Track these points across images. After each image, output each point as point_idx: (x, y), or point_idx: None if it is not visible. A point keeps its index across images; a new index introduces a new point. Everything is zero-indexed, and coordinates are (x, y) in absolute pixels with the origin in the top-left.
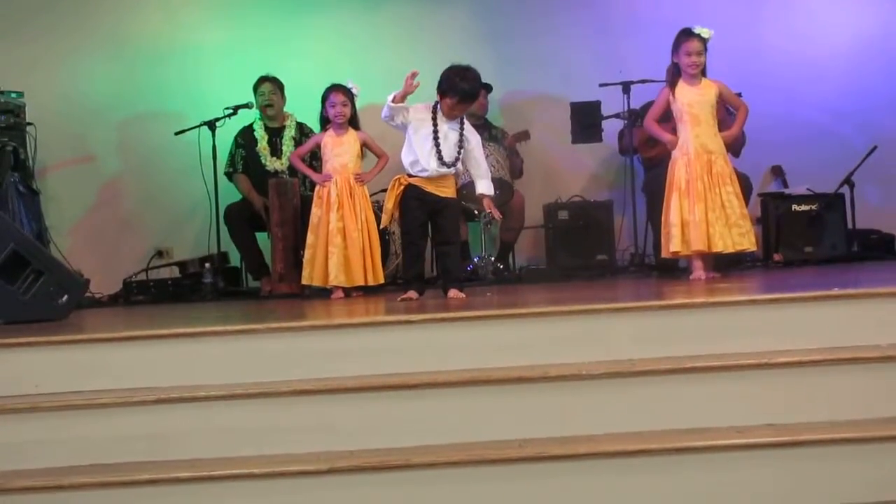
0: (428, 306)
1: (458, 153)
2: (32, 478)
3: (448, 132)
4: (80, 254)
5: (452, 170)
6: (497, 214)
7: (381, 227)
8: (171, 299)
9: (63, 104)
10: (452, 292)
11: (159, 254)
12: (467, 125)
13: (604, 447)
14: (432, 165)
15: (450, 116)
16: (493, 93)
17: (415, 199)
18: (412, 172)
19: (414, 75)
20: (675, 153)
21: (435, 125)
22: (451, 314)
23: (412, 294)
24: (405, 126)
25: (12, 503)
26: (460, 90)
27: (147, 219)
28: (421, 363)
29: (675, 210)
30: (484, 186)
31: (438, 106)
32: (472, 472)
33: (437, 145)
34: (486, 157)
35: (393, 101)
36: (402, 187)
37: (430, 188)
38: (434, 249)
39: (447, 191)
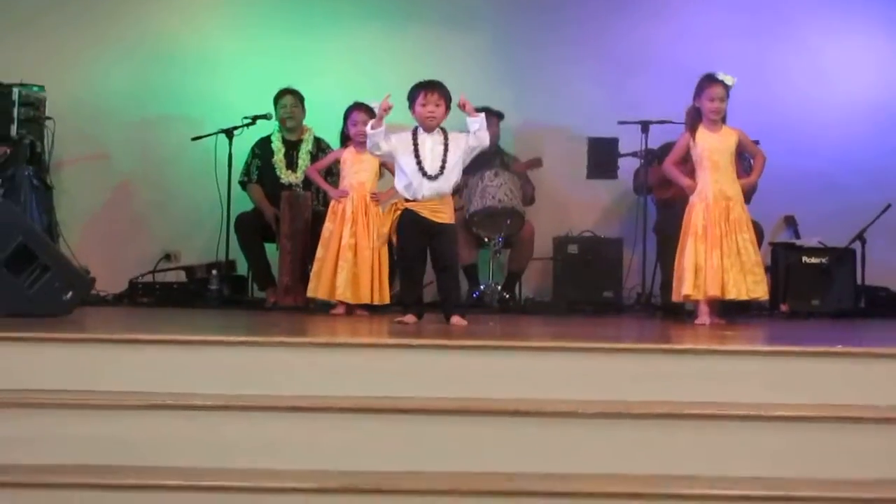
0: (429, 331)
1: (443, 164)
2: (19, 474)
3: (433, 146)
4: (89, 250)
5: (448, 189)
6: (466, 104)
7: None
8: (175, 303)
9: (81, 99)
10: (455, 319)
11: (167, 257)
12: (452, 133)
13: (593, 487)
14: (418, 181)
15: (429, 127)
16: (508, 121)
17: (412, 225)
18: (407, 197)
19: (386, 100)
20: (694, 198)
21: (415, 140)
22: (451, 341)
23: (410, 318)
24: (392, 155)
25: None
26: (418, 84)
27: (158, 221)
28: (418, 388)
29: (689, 254)
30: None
31: (418, 127)
32: (461, 501)
33: (418, 157)
34: (500, 186)
35: (371, 127)
36: (398, 212)
37: (425, 213)
38: (435, 275)
39: (444, 216)
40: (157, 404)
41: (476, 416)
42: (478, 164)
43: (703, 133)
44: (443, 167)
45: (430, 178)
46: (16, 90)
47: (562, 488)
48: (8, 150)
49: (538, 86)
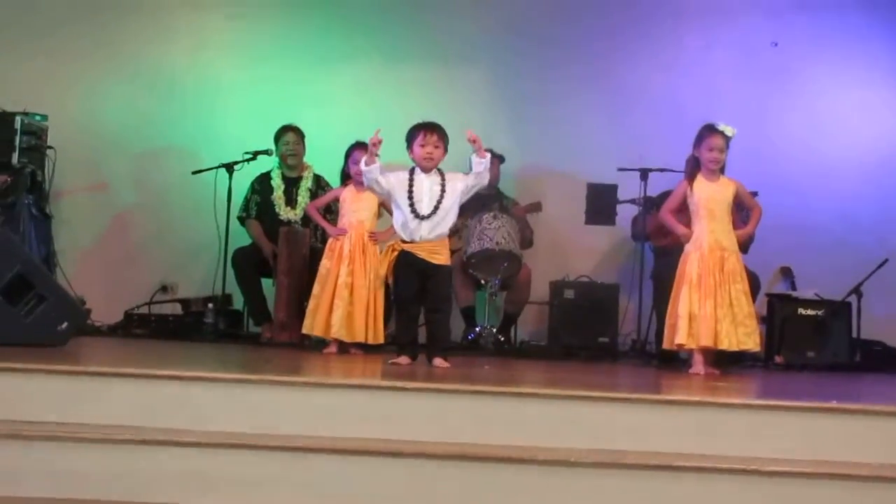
0: (424, 374)
1: (437, 205)
2: None
3: (430, 187)
4: (86, 280)
5: (444, 230)
6: (476, 140)
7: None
8: (170, 335)
9: (83, 129)
10: (437, 360)
11: (164, 289)
12: (450, 174)
13: None
14: (414, 222)
15: (427, 168)
16: (509, 164)
17: (407, 266)
18: (404, 238)
19: (376, 134)
20: (689, 247)
21: (411, 181)
22: (446, 385)
23: (404, 359)
24: (390, 194)
25: None
26: (417, 125)
27: (155, 253)
28: (411, 432)
29: (683, 302)
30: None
31: (415, 168)
32: None
33: (411, 197)
34: (498, 228)
35: (364, 164)
36: (395, 253)
37: (422, 254)
38: (424, 316)
39: (439, 257)
40: (149, 440)
41: (470, 462)
42: (477, 207)
43: (700, 182)
44: (436, 208)
45: (424, 218)
46: (18, 119)
47: None
48: (9, 179)
49: (539, 129)
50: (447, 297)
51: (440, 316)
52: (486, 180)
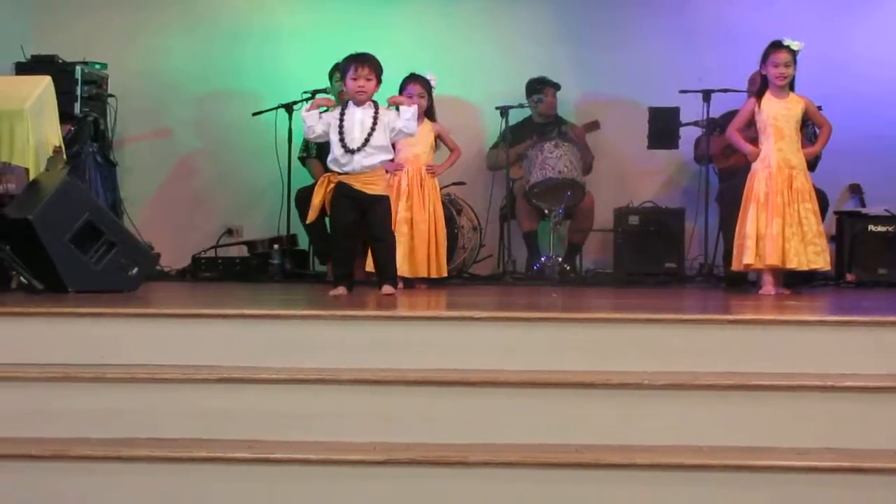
0: (491, 304)
1: (367, 138)
2: (91, 447)
3: (362, 119)
4: (152, 227)
5: (375, 162)
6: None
7: (308, 222)
8: (238, 278)
9: (143, 76)
10: (386, 289)
11: (229, 232)
12: (384, 109)
13: (662, 459)
14: (345, 157)
15: (359, 101)
16: (570, 92)
17: (343, 198)
18: (337, 170)
19: (328, 98)
20: (756, 165)
21: (342, 114)
22: (516, 314)
23: (341, 290)
24: (327, 133)
25: (69, 471)
26: (348, 58)
27: (219, 196)
28: (482, 361)
29: (751, 222)
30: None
31: (349, 101)
32: (529, 473)
33: (341, 130)
34: (560, 157)
35: (305, 110)
36: (331, 185)
37: (357, 185)
38: (369, 246)
39: (375, 188)
40: (226, 378)
41: (542, 389)
42: (537, 136)
43: (768, 99)
44: (367, 141)
45: (352, 151)
46: (78, 68)
47: (630, 460)
48: (72, 128)
49: (598, 55)
50: (387, 227)
51: (383, 245)
52: (413, 131)
